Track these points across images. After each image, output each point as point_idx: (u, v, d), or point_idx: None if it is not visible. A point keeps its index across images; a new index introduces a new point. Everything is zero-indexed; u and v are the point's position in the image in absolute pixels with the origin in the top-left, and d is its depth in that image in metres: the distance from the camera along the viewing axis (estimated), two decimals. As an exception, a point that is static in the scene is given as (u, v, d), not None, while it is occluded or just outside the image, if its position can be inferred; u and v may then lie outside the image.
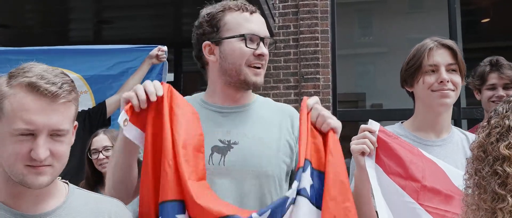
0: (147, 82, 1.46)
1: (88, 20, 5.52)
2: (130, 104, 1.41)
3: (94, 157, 2.68)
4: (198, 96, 1.73)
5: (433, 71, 1.73)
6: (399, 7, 7.93)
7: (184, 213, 1.34)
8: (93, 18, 5.46)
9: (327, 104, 5.46)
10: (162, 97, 1.42)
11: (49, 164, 1.15)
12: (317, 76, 5.53)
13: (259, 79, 1.63)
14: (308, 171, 1.37)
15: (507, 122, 1.01)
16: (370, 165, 1.54)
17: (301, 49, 5.60)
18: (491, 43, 8.11)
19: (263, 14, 4.69)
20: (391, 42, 7.42)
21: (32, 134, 1.13)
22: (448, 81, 1.71)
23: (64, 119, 1.17)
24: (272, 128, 1.64)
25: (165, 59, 3.38)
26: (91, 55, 3.36)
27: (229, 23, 1.63)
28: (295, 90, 5.59)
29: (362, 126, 1.62)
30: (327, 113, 1.46)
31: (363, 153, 1.56)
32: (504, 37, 7.79)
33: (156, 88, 1.43)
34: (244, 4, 1.63)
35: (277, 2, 5.67)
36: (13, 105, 1.13)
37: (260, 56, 1.61)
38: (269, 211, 1.30)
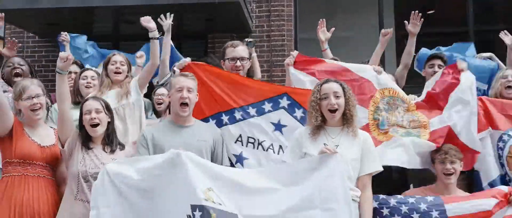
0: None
1: (109, 20, 7.32)
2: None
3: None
4: None
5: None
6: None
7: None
8: (113, 19, 7.27)
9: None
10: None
11: (188, 102, 3.08)
12: (284, 63, 7.46)
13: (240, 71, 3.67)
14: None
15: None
16: (292, 71, 3.61)
17: (272, 43, 7.43)
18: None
19: (242, 15, 6.60)
20: (347, 38, 9.20)
21: (180, 90, 3.05)
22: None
23: (191, 83, 3.09)
24: None
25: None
26: None
27: (226, 52, 3.72)
28: (267, 74, 7.46)
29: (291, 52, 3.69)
30: None
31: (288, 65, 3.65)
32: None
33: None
34: (233, 43, 3.73)
35: (254, 8, 7.57)
36: (175, 81, 3.09)
37: (235, 67, 3.65)
38: None
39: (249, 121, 3.46)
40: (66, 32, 5.55)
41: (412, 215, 2.99)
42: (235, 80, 3.54)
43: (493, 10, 8.91)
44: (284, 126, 3.43)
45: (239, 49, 3.71)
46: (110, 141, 3.09)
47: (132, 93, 3.79)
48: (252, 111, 3.47)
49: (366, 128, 3.43)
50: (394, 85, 3.72)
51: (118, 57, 3.85)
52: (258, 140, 3.43)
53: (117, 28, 7.66)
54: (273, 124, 3.45)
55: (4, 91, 3.84)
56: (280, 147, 3.40)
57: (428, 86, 3.78)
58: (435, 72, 4.18)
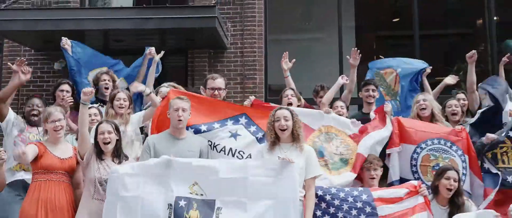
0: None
1: (100, 39, 8.22)
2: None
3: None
4: None
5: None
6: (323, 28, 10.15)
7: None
8: (103, 39, 8.17)
9: (261, 95, 8.43)
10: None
11: (182, 119, 4.07)
12: (255, 76, 8.36)
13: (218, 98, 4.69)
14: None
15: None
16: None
17: (245, 58, 8.37)
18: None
19: (218, 35, 7.57)
20: (317, 52, 10.24)
21: (177, 110, 4.06)
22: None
23: (185, 105, 4.09)
24: None
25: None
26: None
27: (207, 83, 4.73)
28: (241, 85, 8.34)
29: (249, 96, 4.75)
30: None
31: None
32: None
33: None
34: (213, 76, 4.76)
35: (229, 27, 8.55)
36: (172, 103, 4.10)
37: (214, 94, 4.68)
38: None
39: (212, 132, 4.45)
40: (66, 38, 6.29)
41: (348, 198, 4.00)
42: (205, 101, 4.57)
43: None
44: (239, 135, 4.48)
45: (217, 81, 4.77)
46: (118, 154, 4.07)
47: (133, 125, 4.73)
48: (216, 125, 4.49)
49: None
50: (335, 122, 4.78)
51: (122, 94, 4.81)
52: (213, 143, 4.43)
53: (106, 45, 8.54)
54: (230, 132, 4.49)
55: (20, 130, 4.85)
56: (231, 149, 4.43)
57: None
58: (369, 95, 5.27)
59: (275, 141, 4.04)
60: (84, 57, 6.30)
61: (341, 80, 5.37)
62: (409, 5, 8.97)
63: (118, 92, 4.87)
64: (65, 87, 5.35)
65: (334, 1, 8.94)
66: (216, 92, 4.70)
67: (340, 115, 5.05)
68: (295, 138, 4.03)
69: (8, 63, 5.42)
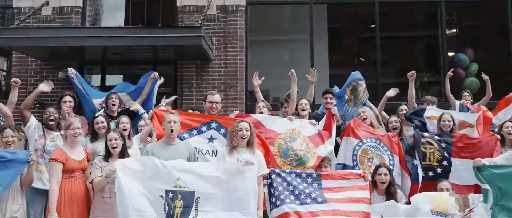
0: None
1: (99, 53, 9.28)
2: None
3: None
4: None
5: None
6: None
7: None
8: (102, 53, 9.24)
9: (242, 101, 9.57)
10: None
11: (174, 129, 5.14)
12: (237, 85, 9.51)
13: (215, 111, 5.88)
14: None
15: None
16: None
17: (228, 69, 9.51)
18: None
19: (204, 50, 8.69)
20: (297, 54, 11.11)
21: (169, 122, 5.13)
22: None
23: (176, 118, 5.19)
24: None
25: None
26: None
27: (207, 97, 5.93)
28: (224, 93, 9.42)
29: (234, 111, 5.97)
30: None
31: None
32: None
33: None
34: (212, 92, 5.96)
35: (214, 41, 9.65)
36: (166, 117, 5.18)
37: (212, 107, 5.86)
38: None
39: (193, 138, 5.63)
40: (72, 69, 7.23)
41: (304, 181, 5.16)
42: (183, 114, 5.65)
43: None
44: (215, 138, 5.67)
45: (216, 97, 5.96)
46: (123, 156, 5.18)
47: (134, 147, 5.63)
48: (194, 131, 5.68)
49: (272, 157, 5.65)
50: (297, 126, 5.92)
51: (125, 119, 5.81)
52: (199, 148, 5.56)
53: (104, 57, 9.62)
54: (207, 138, 5.66)
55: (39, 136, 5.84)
56: (212, 151, 5.59)
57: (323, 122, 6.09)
58: (327, 102, 6.42)
59: (235, 146, 5.16)
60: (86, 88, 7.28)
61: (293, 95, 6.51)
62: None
63: (121, 117, 5.88)
64: (67, 98, 6.43)
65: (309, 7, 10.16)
66: (214, 105, 5.89)
67: (303, 109, 6.23)
68: (250, 144, 5.18)
69: (14, 79, 6.33)
